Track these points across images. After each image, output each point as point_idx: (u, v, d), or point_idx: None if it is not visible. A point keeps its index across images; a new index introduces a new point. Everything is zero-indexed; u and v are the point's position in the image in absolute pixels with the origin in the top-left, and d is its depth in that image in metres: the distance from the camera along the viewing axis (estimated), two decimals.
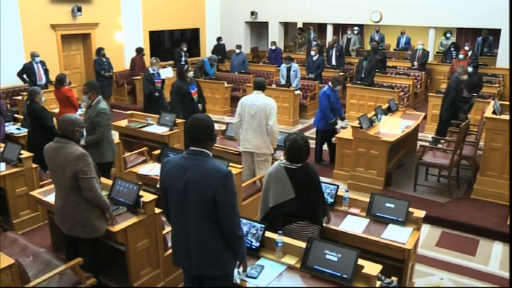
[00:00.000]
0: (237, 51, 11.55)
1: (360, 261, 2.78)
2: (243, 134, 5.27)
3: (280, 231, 3.11)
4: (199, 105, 6.98)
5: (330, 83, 6.67)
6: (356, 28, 13.25)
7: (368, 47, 13.55)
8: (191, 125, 2.61)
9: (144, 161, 5.72)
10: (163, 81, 9.09)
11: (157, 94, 8.87)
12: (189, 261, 2.65)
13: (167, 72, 9.54)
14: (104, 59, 10.26)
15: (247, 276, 2.85)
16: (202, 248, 2.60)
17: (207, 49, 14.02)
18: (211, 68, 11.02)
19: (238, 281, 2.83)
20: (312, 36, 13.91)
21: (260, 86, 5.27)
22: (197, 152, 2.59)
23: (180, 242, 2.69)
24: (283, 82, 9.54)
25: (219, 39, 13.22)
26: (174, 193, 2.62)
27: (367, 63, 9.71)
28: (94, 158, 3.55)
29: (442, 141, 6.40)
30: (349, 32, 13.12)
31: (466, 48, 10.31)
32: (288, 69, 9.44)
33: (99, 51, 10.19)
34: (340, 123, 6.81)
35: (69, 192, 3.27)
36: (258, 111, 5.11)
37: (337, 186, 3.87)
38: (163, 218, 3.56)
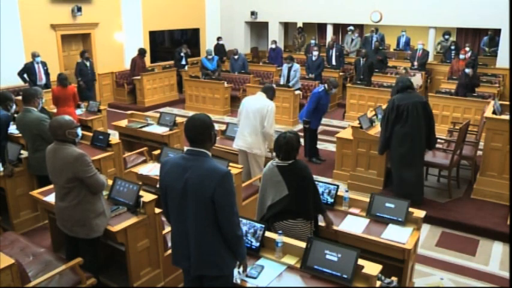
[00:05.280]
0: (235, 57, 11.36)
1: (360, 261, 2.78)
2: (238, 131, 5.28)
3: (280, 232, 3.11)
4: None
5: (325, 85, 6.65)
6: (351, 28, 13.21)
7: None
8: (190, 124, 2.59)
9: (144, 161, 5.72)
10: None
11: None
12: (189, 262, 2.65)
13: (416, 80, 7.01)
14: (88, 63, 9.65)
15: (247, 276, 2.85)
16: (201, 248, 2.60)
17: (207, 49, 14.01)
18: (209, 62, 10.98)
19: (238, 281, 2.83)
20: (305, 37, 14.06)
21: (265, 90, 5.29)
22: (196, 152, 2.58)
23: (179, 243, 2.69)
24: (282, 82, 9.54)
25: (218, 39, 13.17)
26: (173, 193, 2.62)
27: (364, 62, 9.74)
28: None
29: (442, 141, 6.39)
30: (356, 34, 13.09)
31: (467, 48, 10.30)
32: (289, 69, 9.44)
33: (83, 54, 9.62)
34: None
35: (67, 193, 3.28)
36: (255, 112, 5.13)
37: (337, 186, 3.87)
38: (164, 218, 3.57)
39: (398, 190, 5.35)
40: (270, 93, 5.31)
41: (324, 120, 9.47)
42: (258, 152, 5.21)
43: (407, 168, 5.23)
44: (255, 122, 5.15)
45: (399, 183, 5.38)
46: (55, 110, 7.26)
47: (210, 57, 11.11)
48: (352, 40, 13.11)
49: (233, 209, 2.56)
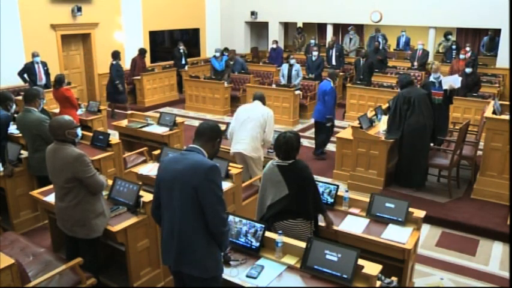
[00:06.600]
0: (231, 63, 11.01)
1: (360, 261, 2.78)
2: (236, 135, 5.23)
3: (280, 232, 3.11)
4: None
5: (332, 82, 6.81)
6: (351, 27, 13.21)
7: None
8: (203, 123, 2.77)
9: (144, 161, 5.71)
10: (445, 94, 6.38)
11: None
12: (172, 258, 2.63)
13: (453, 81, 6.34)
14: (120, 63, 9.66)
15: (247, 276, 2.85)
16: (182, 242, 2.57)
17: (207, 49, 14.01)
18: (217, 62, 10.82)
19: (238, 281, 2.83)
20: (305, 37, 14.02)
21: (260, 98, 5.34)
22: (193, 148, 2.65)
23: (167, 240, 2.66)
24: (283, 82, 9.55)
25: (228, 52, 11.80)
26: (164, 187, 2.65)
27: (364, 62, 9.75)
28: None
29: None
30: (351, 32, 13.10)
31: (467, 48, 10.29)
32: (289, 69, 9.46)
33: (117, 55, 9.54)
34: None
35: (67, 193, 3.29)
36: (254, 117, 5.15)
37: (337, 186, 3.87)
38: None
39: (407, 181, 5.74)
40: (264, 100, 5.39)
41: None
42: (254, 155, 5.19)
43: (417, 157, 5.57)
44: (255, 128, 5.12)
45: (410, 173, 5.69)
46: (55, 111, 7.26)
47: (217, 54, 10.85)
48: (351, 40, 13.09)
49: (219, 203, 2.56)
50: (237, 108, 5.50)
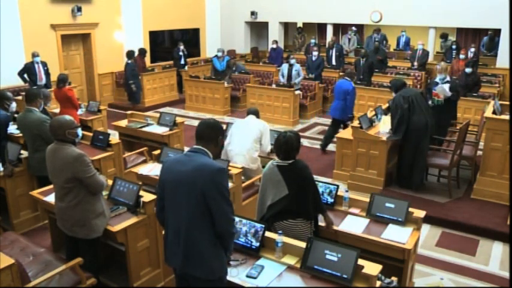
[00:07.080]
0: (233, 68, 11.10)
1: (360, 261, 2.78)
2: (233, 150, 5.22)
3: (280, 232, 3.12)
4: None
5: (352, 81, 7.05)
6: (353, 28, 13.23)
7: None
8: (202, 121, 2.72)
9: (144, 161, 5.72)
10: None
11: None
12: (178, 259, 2.63)
13: (443, 91, 6.25)
14: (135, 63, 9.65)
15: (247, 276, 2.85)
16: (188, 244, 2.56)
17: (207, 49, 14.02)
18: (219, 62, 10.79)
19: (238, 281, 2.83)
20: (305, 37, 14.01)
21: (254, 113, 5.39)
22: (197, 149, 2.63)
23: (172, 240, 2.66)
24: (282, 81, 9.55)
25: (230, 58, 11.81)
26: (168, 188, 2.63)
27: (364, 62, 9.75)
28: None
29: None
30: (350, 32, 13.11)
31: (472, 49, 10.26)
32: (289, 69, 9.47)
33: (132, 54, 9.61)
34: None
35: (67, 193, 3.29)
36: (250, 131, 5.18)
37: (337, 186, 3.87)
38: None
39: (408, 181, 5.76)
40: (258, 114, 5.46)
41: (324, 120, 9.54)
42: (253, 166, 5.21)
43: (418, 157, 5.62)
44: (252, 142, 5.15)
45: (411, 173, 5.71)
46: (55, 110, 7.25)
47: (219, 54, 10.80)
48: (350, 40, 13.09)
49: (227, 205, 2.55)
50: (237, 107, 5.51)
